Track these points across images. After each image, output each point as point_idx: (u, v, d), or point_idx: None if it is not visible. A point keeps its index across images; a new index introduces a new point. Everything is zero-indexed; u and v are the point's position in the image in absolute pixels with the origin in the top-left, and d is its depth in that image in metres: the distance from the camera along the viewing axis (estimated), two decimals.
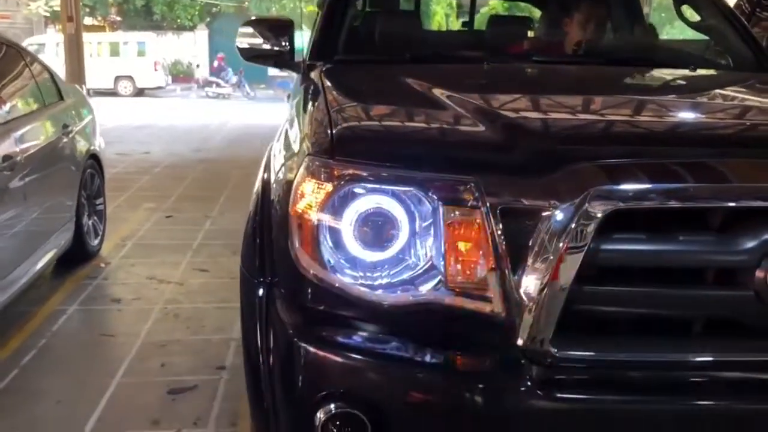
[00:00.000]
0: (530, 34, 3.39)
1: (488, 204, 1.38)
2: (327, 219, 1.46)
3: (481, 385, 1.38)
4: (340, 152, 1.52)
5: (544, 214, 1.35)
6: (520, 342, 1.37)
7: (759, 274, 1.36)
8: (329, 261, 1.47)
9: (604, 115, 1.83)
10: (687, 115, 1.86)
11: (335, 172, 1.47)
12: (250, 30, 2.72)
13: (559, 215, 1.34)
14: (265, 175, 2.02)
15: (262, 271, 1.66)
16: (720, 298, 1.40)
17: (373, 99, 1.99)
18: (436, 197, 1.41)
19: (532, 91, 2.20)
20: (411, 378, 1.42)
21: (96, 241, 4.84)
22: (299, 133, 1.86)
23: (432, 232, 1.41)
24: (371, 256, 1.46)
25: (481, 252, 1.39)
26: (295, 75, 3.67)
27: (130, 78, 22.87)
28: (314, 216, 1.48)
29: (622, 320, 1.42)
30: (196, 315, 3.84)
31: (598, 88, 2.26)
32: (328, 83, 2.11)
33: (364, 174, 1.46)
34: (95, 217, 4.86)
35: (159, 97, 22.15)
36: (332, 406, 1.43)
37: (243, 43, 2.82)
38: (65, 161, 4.32)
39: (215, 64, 24.63)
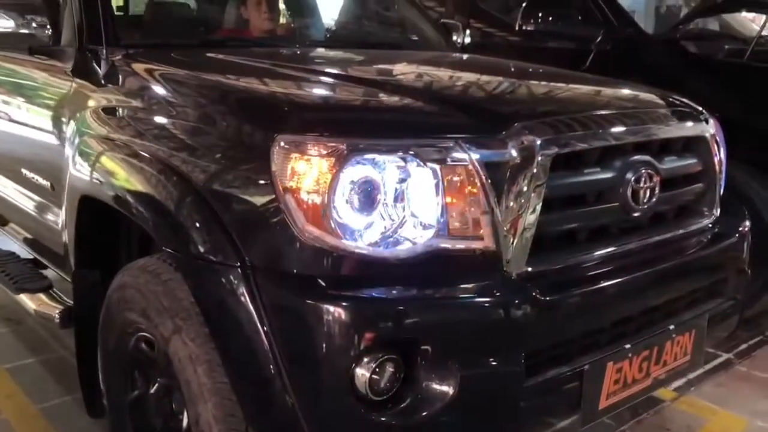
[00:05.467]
0: None
1: (472, 160, 1.69)
2: (335, 191, 1.62)
3: (487, 302, 1.72)
4: (327, 129, 1.71)
5: (512, 163, 1.73)
6: (506, 265, 1.74)
7: (620, 190, 1.96)
8: (340, 229, 1.63)
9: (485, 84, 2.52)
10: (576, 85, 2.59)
11: (331, 148, 1.64)
12: None
13: (522, 161, 1.73)
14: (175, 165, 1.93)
15: (239, 256, 1.70)
16: (605, 210, 1.97)
17: (302, 81, 2.29)
18: (431, 158, 1.67)
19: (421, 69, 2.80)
20: (430, 310, 1.67)
21: None
22: (217, 119, 1.91)
23: (430, 189, 1.67)
24: (375, 220, 1.65)
25: (472, 200, 1.70)
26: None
27: None
28: (318, 193, 1.63)
29: (567, 235, 1.92)
30: None
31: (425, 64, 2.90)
32: (204, 69, 2.31)
33: (370, 145, 1.65)
34: None
35: None
36: (371, 358, 1.59)
37: None
38: None
39: None
